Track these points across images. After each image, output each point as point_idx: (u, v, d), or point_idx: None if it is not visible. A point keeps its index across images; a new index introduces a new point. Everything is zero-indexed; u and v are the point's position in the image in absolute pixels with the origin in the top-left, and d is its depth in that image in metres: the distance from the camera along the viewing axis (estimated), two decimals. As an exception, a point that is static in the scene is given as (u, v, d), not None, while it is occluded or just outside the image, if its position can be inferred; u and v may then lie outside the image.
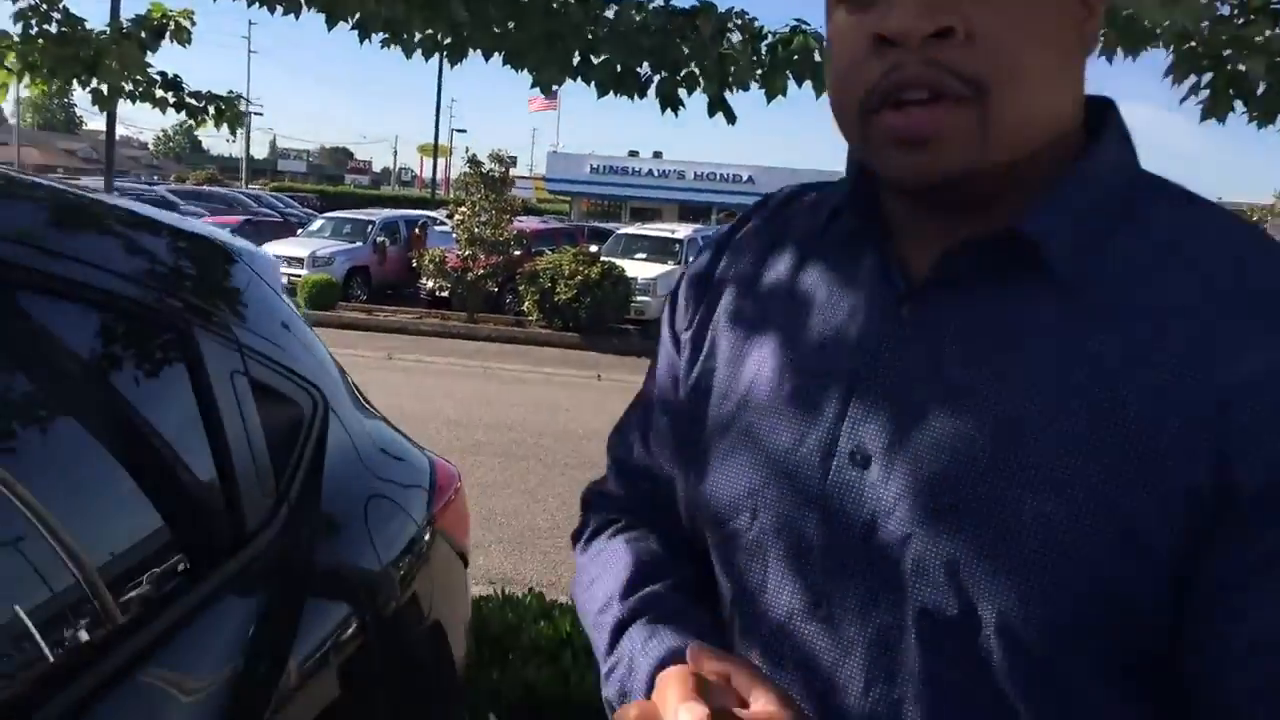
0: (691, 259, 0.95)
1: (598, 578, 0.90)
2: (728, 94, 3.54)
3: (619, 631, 0.83)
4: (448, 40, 3.55)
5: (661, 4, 3.51)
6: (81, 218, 1.32)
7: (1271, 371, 0.63)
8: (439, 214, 21.34)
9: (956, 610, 0.68)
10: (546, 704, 2.77)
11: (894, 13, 0.67)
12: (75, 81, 4.48)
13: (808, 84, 3.48)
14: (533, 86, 3.56)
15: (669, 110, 3.54)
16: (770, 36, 3.55)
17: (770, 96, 3.54)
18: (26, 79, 4.46)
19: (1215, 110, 3.21)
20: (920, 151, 0.68)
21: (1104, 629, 0.66)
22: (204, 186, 35.63)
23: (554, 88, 3.66)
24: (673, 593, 0.85)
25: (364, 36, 3.61)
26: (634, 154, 38.89)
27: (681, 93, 3.53)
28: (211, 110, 5.09)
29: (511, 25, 3.47)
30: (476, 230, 15.11)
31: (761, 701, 0.65)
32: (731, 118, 3.55)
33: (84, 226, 1.29)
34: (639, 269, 14.88)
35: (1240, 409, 0.62)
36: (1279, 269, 0.68)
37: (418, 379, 10.24)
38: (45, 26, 4.42)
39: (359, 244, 17.29)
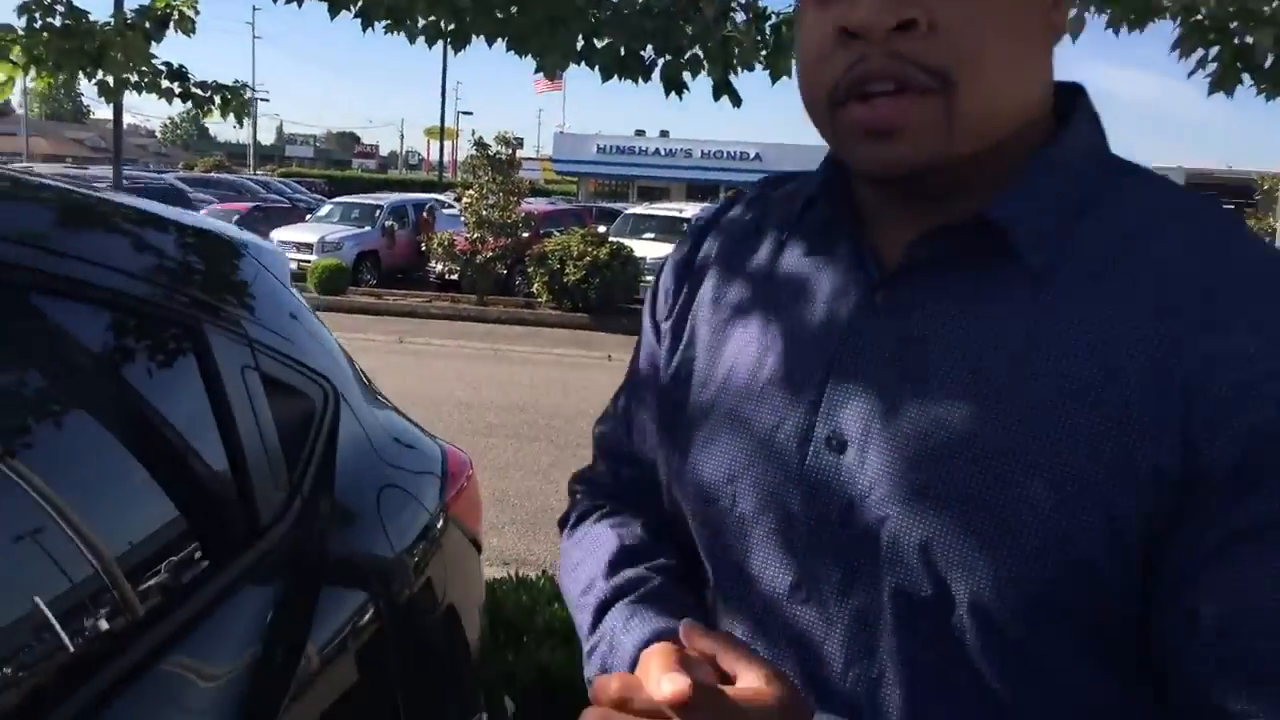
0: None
1: (581, 561, 0.91)
2: (733, 75, 3.53)
3: (601, 611, 0.85)
4: (450, 27, 3.54)
5: (664, -14, 3.50)
6: (89, 217, 1.33)
7: (1235, 354, 0.64)
8: (446, 197, 21.32)
9: (930, 591, 0.69)
10: (561, 686, 2.80)
11: (858, 6, 0.68)
12: (81, 74, 4.49)
13: (813, 63, 3.46)
14: (536, 72, 3.56)
15: (674, 93, 3.53)
16: (774, 17, 3.53)
17: (775, 78, 3.53)
18: (32, 72, 4.47)
19: (1223, 83, 3.19)
20: (887, 143, 0.69)
21: (1075, 607, 0.67)
22: (212, 174, 35.65)
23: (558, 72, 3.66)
24: (655, 574, 0.87)
25: (367, 24, 3.61)
26: (640, 133, 38.78)
27: (686, 76, 3.52)
28: (217, 100, 5.10)
29: (514, 10, 3.47)
30: (484, 213, 15.10)
31: (749, 678, 0.67)
32: (737, 101, 3.54)
33: (92, 226, 1.30)
34: (647, 249, 14.86)
35: (1206, 391, 0.64)
36: (1244, 253, 0.69)
37: (428, 362, 10.27)
38: (49, 19, 4.43)
39: (368, 228, 17.30)
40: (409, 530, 1.62)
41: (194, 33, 4.70)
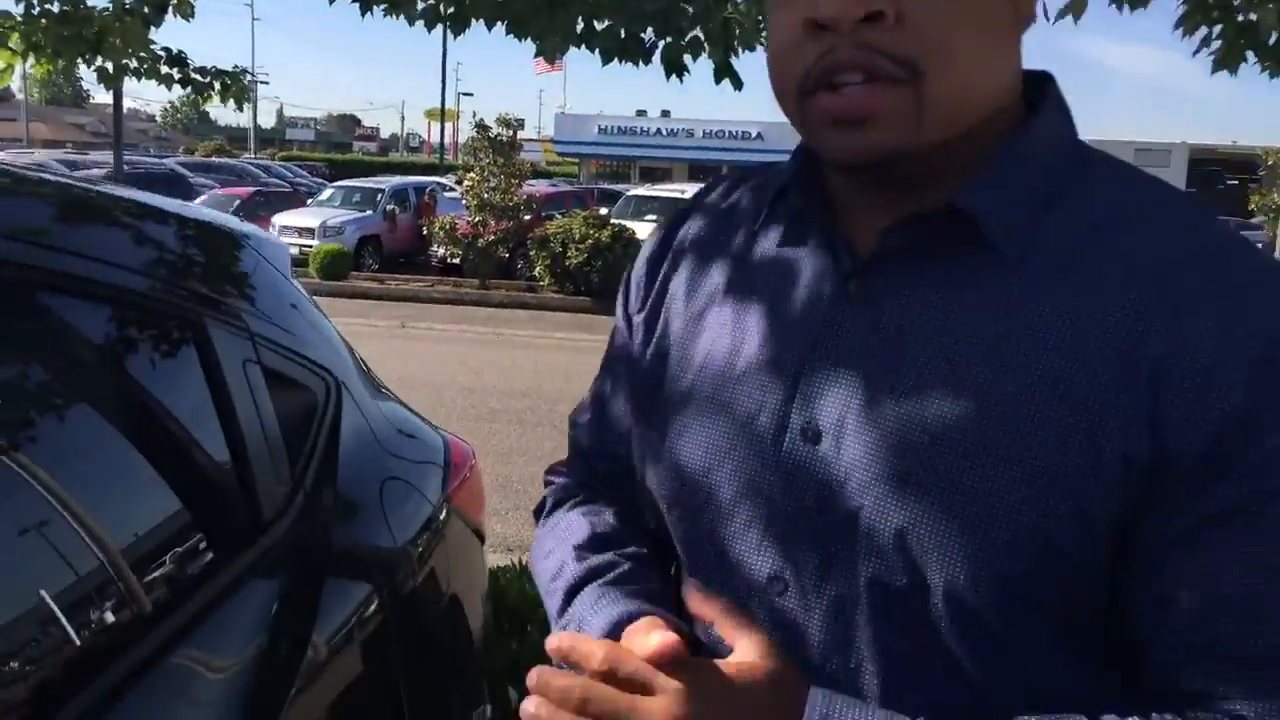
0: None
1: (553, 549, 0.92)
2: (734, 57, 3.51)
3: (571, 595, 0.85)
4: (450, 10, 3.52)
5: (664, -32, 3.47)
6: (89, 212, 1.33)
7: (1203, 342, 0.65)
8: (448, 180, 21.27)
9: (905, 580, 0.70)
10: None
11: None
12: (80, 60, 4.47)
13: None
14: (536, 55, 3.54)
15: (674, 76, 3.51)
16: (775, -2, 3.50)
17: (776, 59, 3.50)
18: (31, 59, 4.46)
19: (1226, 61, 3.17)
20: (857, 131, 0.70)
21: (1049, 594, 0.68)
22: (213, 159, 35.57)
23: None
24: (625, 560, 0.88)
25: (365, 8, 3.59)
26: (642, 113, 38.61)
27: (687, 59, 3.50)
28: (217, 85, 5.09)
29: (513, -7, 3.45)
30: (486, 196, 15.06)
31: (744, 647, 0.67)
32: (738, 84, 3.53)
33: (92, 221, 1.30)
34: (650, 231, 14.79)
35: (1173, 381, 0.65)
36: (1209, 244, 0.70)
37: (431, 347, 10.28)
38: (47, 5, 4.40)
39: (369, 212, 17.26)
40: (412, 522, 1.63)
41: (193, 17, 4.67)
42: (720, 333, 0.83)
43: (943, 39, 0.68)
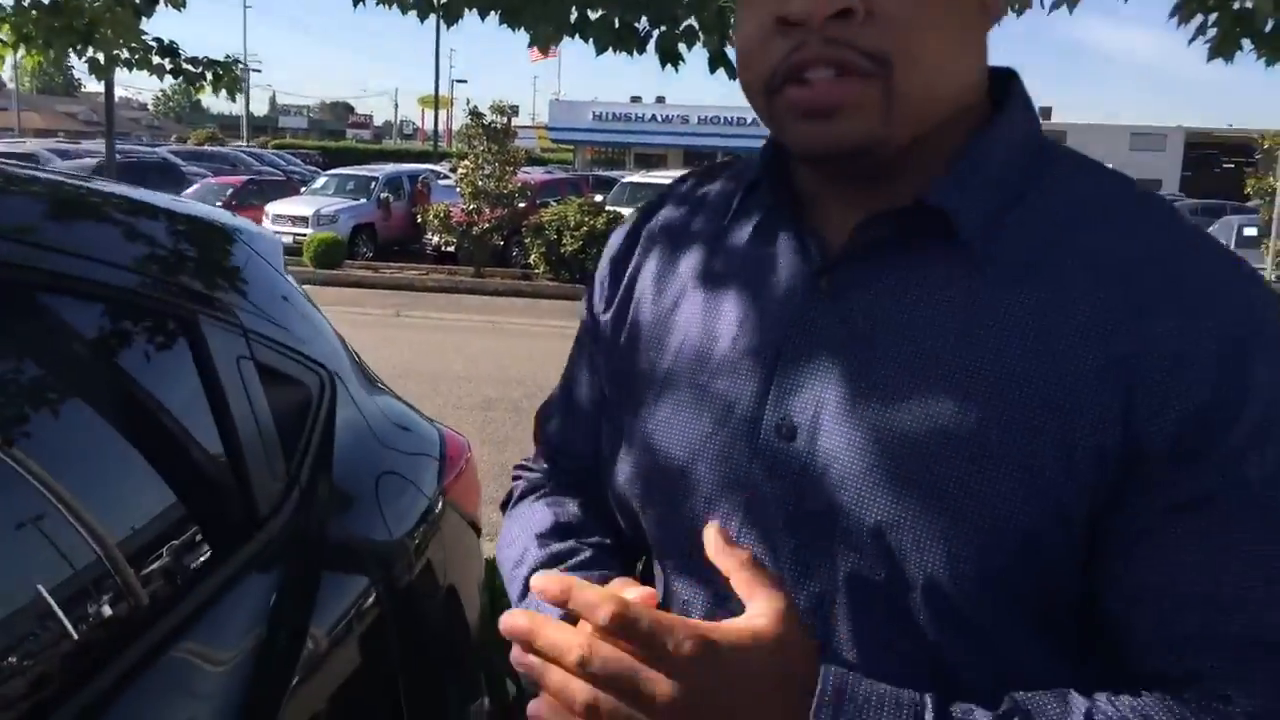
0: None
1: (516, 536, 0.92)
2: (729, 45, 3.50)
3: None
4: (442, 1, 3.51)
5: (658, -44, 3.46)
6: (81, 210, 1.33)
7: (1171, 334, 0.66)
8: (442, 167, 21.21)
9: (884, 574, 0.71)
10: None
11: None
12: (71, 51, 4.45)
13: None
14: (530, 45, 3.53)
15: (669, 65, 3.50)
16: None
17: (770, 47, 3.49)
18: (22, 50, 4.43)
19: (1222, 49, 3.16)
20: (826, 122, 0.70)
21: (1028, 587, 0.69)
22: (205, 147, 35.41)
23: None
24: (587, 547, 0.88)
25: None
26: (636, 100, 38.57)
27: (681, 48, 3.49)
28: (209, 75, 5.06)
29: (506, -18, 3.43)
30: (480, 183, 15.02)
31: (757, 606, 0.63)
32: (733, 73, 3.51)
33: (84, 219, 1.30)
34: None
35: (1142, 375, 0.66)
36: (1174, 239, 0.71)
37: (426, 335, 10.27)
38: (38, -4, 4.37)
39: (363, 201, 17.22)
40: (408, 515, 1.63)
41: (184, 7, 4.65)
42: (690, 330, 0.83)
43: (913, 34, 0.68)
